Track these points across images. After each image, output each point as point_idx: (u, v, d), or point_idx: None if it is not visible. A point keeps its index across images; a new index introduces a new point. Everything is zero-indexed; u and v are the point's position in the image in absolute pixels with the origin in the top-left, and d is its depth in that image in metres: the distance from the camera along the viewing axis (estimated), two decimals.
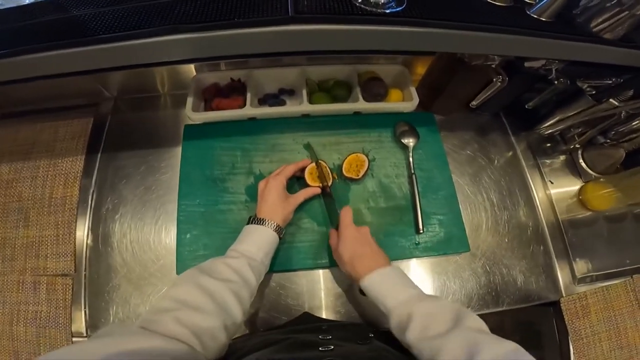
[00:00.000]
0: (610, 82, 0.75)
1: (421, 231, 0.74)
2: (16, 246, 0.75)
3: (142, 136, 0.85)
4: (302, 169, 0.76)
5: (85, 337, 0.69)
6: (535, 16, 0.58)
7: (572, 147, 0.88)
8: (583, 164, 0.87)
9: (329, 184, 0.75)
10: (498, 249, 0.78)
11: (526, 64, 0.73)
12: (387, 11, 0.53)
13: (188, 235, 0.72)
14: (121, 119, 0.88)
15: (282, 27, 0.51)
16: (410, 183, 0.79)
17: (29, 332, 0.70)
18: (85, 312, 0.70)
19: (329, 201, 0.74)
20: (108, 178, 0.80)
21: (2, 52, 0.51)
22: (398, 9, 0.54)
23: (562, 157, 0.89)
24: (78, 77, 0.77)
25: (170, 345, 0.40)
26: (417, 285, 0.58)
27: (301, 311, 0.70)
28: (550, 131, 0.86)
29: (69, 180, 0.79)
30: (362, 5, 0.53)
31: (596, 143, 0.86)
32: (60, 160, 0.81)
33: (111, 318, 0.69)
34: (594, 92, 0.74)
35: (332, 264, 0.72)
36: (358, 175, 0.77)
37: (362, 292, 0.63)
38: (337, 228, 0.69)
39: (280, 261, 0.72)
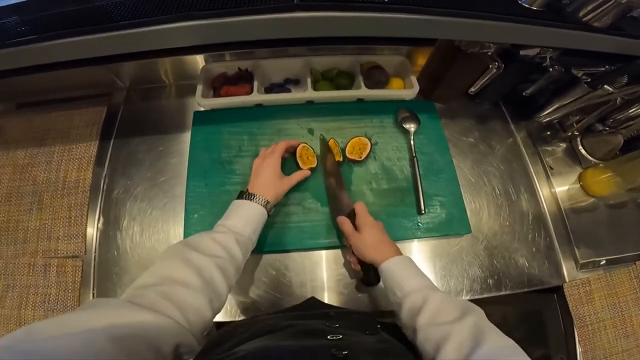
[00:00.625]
0: (603, 69, 0.76)
1: (423, 212, 0.76)
2: (29, 229, 0.77)
3: (153, 124, 0.88)
4: (291, 150, 0.78)
5: None
6: (527, 5, 0.61)
7: (570, 134, 0.90)
8: (582, 151, 0.89)
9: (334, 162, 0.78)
10: (500, 234, 0.79)
11: (521, 52, 0.75)
12: None
13: (195, 216, 0.74)
14: (133, 108, 0.91)
15: (287, 14, 0.54)
16: (412, 166, 0.81)
17: (37, 316, 0.71)
18: (93, 294, 0.71)
19: (338, 183, 0.76)
20: (120, 163, 0.83)
21: (23, 40, 0.54)
22: None
23: (562, 145, 0.90)
24: (93, 67, 0.82)
25: (155, 318, 0.39)
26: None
27: (304, 292, 0.71)
28: (548, 119, 0.88)
29: (82, 165, 0.82)
30: None
31: (595, 130, 0.87)
32: (74, 146, 0.84)
33: None
34: (589, 80, 0.76)
35: (336, 245, 0.73)
36: (361, 157, 0.79)
37: (365, 283, 0.68)
38: (347, 215, 0.70)
39: (283, 241, 0.73)
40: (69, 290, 0.71)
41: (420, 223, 0.76)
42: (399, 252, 0.62)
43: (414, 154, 0.81)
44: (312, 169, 0.77)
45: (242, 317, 0.69)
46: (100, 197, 0.79)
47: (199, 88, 0.82)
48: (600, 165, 0.86)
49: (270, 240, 0.73)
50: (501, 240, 0.78)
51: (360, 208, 0.70)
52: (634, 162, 0.77)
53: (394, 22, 0.56)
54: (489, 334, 0.44)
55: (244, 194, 0.65)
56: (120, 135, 0.87)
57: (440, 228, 0.76)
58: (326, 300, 0.71)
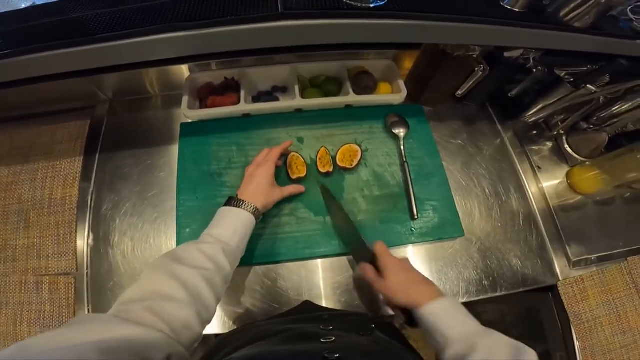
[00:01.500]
0: (585, 68, 0.78)
1: (416, 217, 0.76)
2: (17, 247, 0.75)
3: (138, 136, 0.86)
4: (285, 153, 0.78)
5: None
6: (509, 7, 0.62)
7: (556, 133, 0.91)
8: (568, 149, 0.90)
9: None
10: (492, 235, 0.79)
11: (505, 54, 0.76)
12: (372, 5, 0.56)
13: (187, 230, 0.73)
14: (117, 121, 0.90)
15: (272, 24, 0.54)
16: (403, 171, 0.81)
17: (33, 332, 0.70)
18: (88, 309, 0.70)
19: (355, 235, 0.71)
20: (107, 178, 0.81)
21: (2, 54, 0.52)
22: (381, 3, 0.57)
23: (549, 144, 0.92)
24: (74, 80, 0.79)
25: (143, 332, 0.39)
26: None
27: (301, 301, 0.70)
28: (534, 119, 0.90)
29: (68, 181, 0.80)
30: (348, 1, 0.56)
31: (579, 129, 0.89)
32: (58, 162, 0.82)
33: None
34: (572, 80, 0.77)
35: (332, 253, 0.73)
36: (352, 165, 0.79)
37: (409, 324, 0.59)
38: (369, 261, 0.66)
39: (278, 252, 0.73)
40: (64, 307, 0.70)
41: (414, 228, 0.76)
42: (434, 291, 0.57)
43: (404, 159, 0.81)
44: (300, 179, 0.77)
45: (239, 325, 0.69)
46: (88, 213, 0.77)
47: (185, 99, 0.81)
48: (587, 163, 0.87)
49: (264, 251, 0.72)
50: (494, 242, 0.79)
51: (380, 249, 0.65)
52: (620, 159, 0.79)
53: (378, 29, 0.57)
54: None
55: (232, 200, 0.64)
56: (105, 149, 0.85)
57: (434, 232, 0.76)
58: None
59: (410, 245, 0.76)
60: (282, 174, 0.79)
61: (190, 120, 0.85)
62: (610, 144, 0.86)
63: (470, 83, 0.79)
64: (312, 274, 0.74)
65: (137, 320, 0.41)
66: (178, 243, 0.73)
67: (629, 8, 0.67)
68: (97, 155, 0.84)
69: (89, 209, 0.78)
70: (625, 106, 0.79)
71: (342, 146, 0.81)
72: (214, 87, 0.88)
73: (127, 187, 0.80)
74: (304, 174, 0.77)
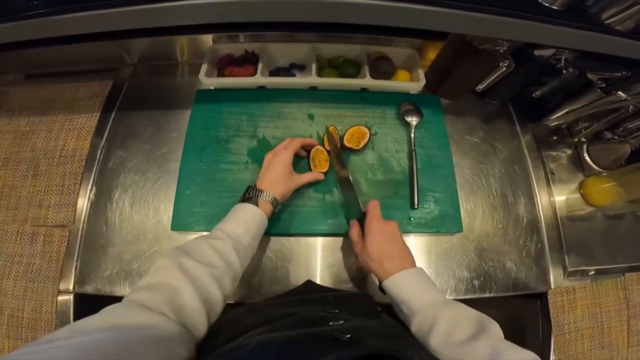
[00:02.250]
0: (620, 74, 0.74)
1: (416, 207, 0.75)
2: (22, 195, 0.77)
3: (156, 99, 0.88)
4: (307, 148, 0.77)
5: (72, 293, 0.70)
6: (547, 4, 0.59)
7: (577, 140, 0.88)
8: (587, 158, 0.87)
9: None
10: (491, 235, 0.77)
11: (536, 52, 0.74)
12: None
13: (187, 192, 0.74)
14: (138, 83, 0.92)
15: None
16: (410, 159, 0.79)
17: (18, 287, 0.71)
18: (76, 265, 0.71)
19: (348, 189, 0.72)
20: (119, 134, 0.83)
21: (42, 12, 0.54)
22: None
23: (567, 151, 0.88)
24: (102, 43, 0.83)
25: (156, 321, 0.40)
26: (440, 289, 0.57)
27: (300, 279, 0.70)
28: (556, 123, 0.86)
29: (82, 135, 0.83)
30: None
31: (603, 138, 0.86)
32: (76, 117, 0.85)
33: (102, 273, 0.70)
34: (603, 85, 0.74)
35: (330, 232, 0.73)
36: (358, 146, 0.78)
37: (382, 290, 0.60)
38: (358, 219, 0.67)
39: (279, 225, 0.73)
40: (53, 261, 0.72)
41: (413, 217, 0.75)
42: (407, 264, 0.58)
43: (413, 147, 0.80)
44: (342, 174, 0.75)
45: (237, 301, 0.69)
46: (95, 167, 0.80)
47: (204, 67, 0.82)
48: (603, 174, 0.84)
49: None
50: (492, 242, 0.77)
51: (370, 209, 0.65)
52: (637, 172, 0.75)
53: (405, 12, 0.55)
54: (506, 352, 0.43)
55: (250, 190, 0.63)
56: (122, 108, 0.87)
57: (432, 224, 0.75)
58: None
59: (406, 235, 0.74)
60: (304, 166, 0.78)
61: (206, 88, 0.86)
62: (633, 157, 0.83)
63: (493, 78, 0.77)
64: (311, 251, 0.74)
65: (155, 308, 0.42)
66: (176, 203, 0.73)
67: None
68: (114, 113, 0.86)
69: (97, 162, 0.80)
70: None
71: (351, 127, 0.81)
72: (233, 59, 0.89)
73: (137, 145, 0.82)
74: (326, 169, 0.76)
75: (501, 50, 0.73)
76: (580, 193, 0.83)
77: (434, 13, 0.55)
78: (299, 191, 0.74)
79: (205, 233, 0.62)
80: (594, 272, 0.77)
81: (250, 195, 0.63)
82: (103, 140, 0.82)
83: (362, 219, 0.66)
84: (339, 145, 0.78)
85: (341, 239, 0.75)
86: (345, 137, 0.79)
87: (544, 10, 0.58)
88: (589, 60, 0.75)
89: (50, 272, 0.71)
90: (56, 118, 0.85)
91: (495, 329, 0.47)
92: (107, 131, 0.84)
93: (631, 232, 0.81)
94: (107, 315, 0.38)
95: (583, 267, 0.77)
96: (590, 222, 0.81)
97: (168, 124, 0.84)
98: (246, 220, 0.59)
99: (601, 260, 0.78)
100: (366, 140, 0.78)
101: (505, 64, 0.73)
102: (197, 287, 0.46)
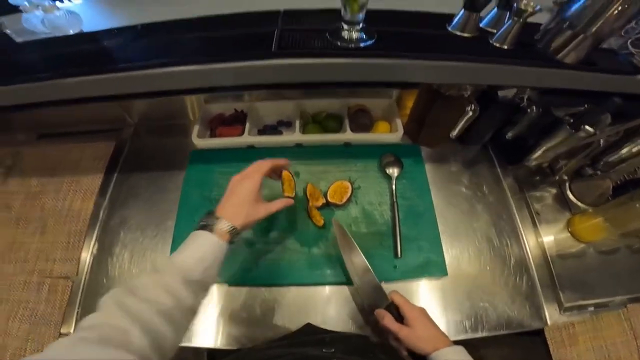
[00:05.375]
0: (582, 108, 0.75)
1: (399, 256, 0.77)
2: (30, 250, 0.83)
3: (155, 160, 0.95)
4: (278, 170, 0.72)
5: None
6: (498, 45, 0.62)
7: (559, 178, 0.89)
8: (571, 196, 0.87)
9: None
10: (480, 277, 0.78)
11: (500, 94, 0.76)
12: (362, 45, 0.60)
13: None
14: (139, 143, 0.99)
15: (266, 62, 0.60)
16: (392, 210, 0.82)
17: (22, 329, 0.74)
18: (78, 312, 0.76)
19: (368, 276, 0.70)
20: (120, 195, 0.89)
21: (45, 75, 0.61)
22: (369, 43, 0.60)
23: (551, 190, 0.89)
24: (107, 103, 0.90)
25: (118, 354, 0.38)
26: None
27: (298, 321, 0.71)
28: (536, 162, 0.87)
29: (87, 195, 0.89)
30: (338, 42, 0.60)
31: (584, 175, 0.86)
32: (82, 178, 0.92)
33: None
34: (571, 121, 0.75)
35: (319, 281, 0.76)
36: (341, 201, 0.81)
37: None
38: (386, 308, 0.65)
39: (270, 276, 0.76)
40: (56, 307, 0.76)
41: (397, 266, 0.77)
42: (448, 340, 0.58)
43: (394, 199, 0.83)
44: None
45: (235, 347, 0.70)
46: (98, 225, 0.85)
47: (196, 128, 0.89)
48: (590, 210, 0.84)
49: (260, 274, 0.76)
50: (480, 284, 0.77)
51: (399, 300, 0.64)
52: (623, 207, 0.74)
53: (365, 67, 0.61)
54: None
55: (208, 216, 0.57)
56: (124, 169, 0.94)
57: (417, 271, 0.76)
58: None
59: (393, 282, 0.76)
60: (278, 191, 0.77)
61: (200, 148, 0.92)
62: (618, 191, 0.83)
63: (462, 123, 0.78)
64: (313, 299, 0.75)
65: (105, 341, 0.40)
66: None
67: (629, 41, 0.63)
68: (116, 175, 0.93)
69: (99, 221, 0.86)
70: (635, 149, 0.76)
71: (334, 182, 0.84)
72: (224, 118, 0.95)
73: (137, 205, 0.87)
74: (292, 196, 0.73)
75: (466, 95, 0.76)
76: (569, 231, 0.83)
77: (388, 66, 0.60)
78: (285, 244, 0.78)
79: None
80: (592, 307, 0.76)
81: (207, 222, 0.56)
82: (106, 201, 0.89)
83: (388, 307, 0.66)
84: (324, 201, 0.82)
85: (335, 287, 0.76)
86: (328, 193, 0.83)
87: (496, 51, 0.61)
88: (550, 96, 0.76)
89: (53, 317, 0.75)
90: (63, 179, 0.92)
91: None
92: (109, 192, 0.90)
93: (629, 264, 0.80)
94: (50, 353, 0.37)
95: (580, 302, 0.76)
96: (583, 258, 0.81)
97: (166, 185, 0.90)
98: (200, 250, 0.53)
99: (599, 294, 0.77)
100: (348, 194, 0.82)
101: (471, 109, 0.74)
102: (140, 326, 0.42)
